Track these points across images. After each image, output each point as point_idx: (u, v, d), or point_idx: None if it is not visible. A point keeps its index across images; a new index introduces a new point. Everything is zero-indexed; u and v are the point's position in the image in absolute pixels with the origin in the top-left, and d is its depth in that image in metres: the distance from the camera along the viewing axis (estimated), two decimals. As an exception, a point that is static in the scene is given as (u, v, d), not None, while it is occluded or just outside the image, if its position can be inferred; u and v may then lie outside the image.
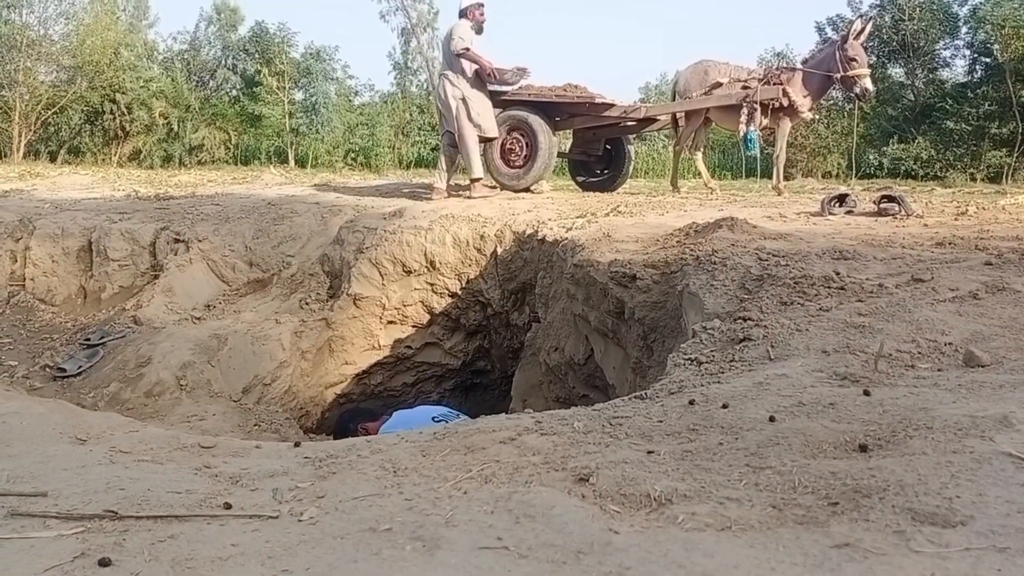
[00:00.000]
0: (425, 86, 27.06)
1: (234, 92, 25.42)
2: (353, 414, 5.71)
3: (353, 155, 24.03)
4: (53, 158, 21.52)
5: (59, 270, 6.71)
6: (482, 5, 8.08)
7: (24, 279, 6.67)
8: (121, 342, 5.65)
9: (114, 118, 22.00)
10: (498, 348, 6.59)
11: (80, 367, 5.43)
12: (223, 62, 25.43)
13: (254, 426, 4.74)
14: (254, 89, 24.11)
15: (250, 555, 1.45)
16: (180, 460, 2.09)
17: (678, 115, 9.33)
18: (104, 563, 1.41)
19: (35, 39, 21.30)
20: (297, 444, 2.27)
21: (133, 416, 3.44)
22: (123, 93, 21.85)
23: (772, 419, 1.90)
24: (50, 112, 21.73)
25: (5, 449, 2.11)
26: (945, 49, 19.71)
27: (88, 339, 5.88)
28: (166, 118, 22.27)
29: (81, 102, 22.10)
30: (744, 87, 8.43)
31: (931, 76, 19.72)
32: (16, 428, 2.31)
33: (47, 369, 5.47)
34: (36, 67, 21.62)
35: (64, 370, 5.40)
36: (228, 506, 1.69)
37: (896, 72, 20.18)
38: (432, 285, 6.38)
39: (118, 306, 6.44)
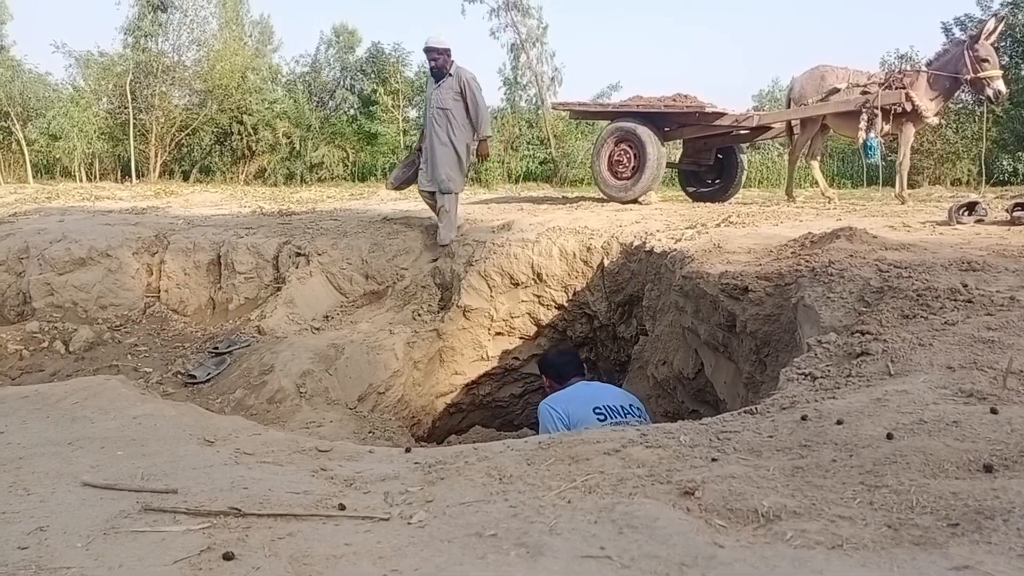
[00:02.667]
0: (534, 101, 27.30)
1: (351, 111, 26.42)
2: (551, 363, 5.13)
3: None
4: (186, 177, 22.95)
5: (191, 282, 7.14)
6: (425, 50, 7.09)
7: (159, 291, 7.13)
8: (246, 351, 5.95)
9: (241, 138, 23.27)
10: (605, 361, 6.56)
11: (209, 374, 5.76)
12: (342, 83, 26.51)
13: (368, 433, 4.89)
14: (370, 108, 25.00)
15: (362, 554, 1.51)
16: (299, 462, 2.19)
17: (793, 123, 9.07)
18: (228, 557, 1.50)
19: (170, 65, 22.80)
20: (408, 450, 2.34)
21: (256, 421, 3.62)
22: (250, 115, 23.10)
23: (890, 436, 1.82)
24: (183, 134, 23.20)
25: (140, 448, 2.27)
26: (1085, 47, 18.30)
27: (216, 348, 6.22)
28: (289, 137, 23.39)
29: (211, 124, 23.49)
30: (863, 92, 8.11)
31: (1070, 76, 18.34)
32: (150, 429, 2.48)
33: (179, 376, 5.83)
34: (170, 91, 23.14)
35: (194, 377, 5.74)
36: (342, 507, 1.76)
37: (1032, 72, 18.87)
38: (539, 297, 6.42)
39: (244, 316, 6.79)
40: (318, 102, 26.25)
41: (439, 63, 6.91)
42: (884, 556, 1.29)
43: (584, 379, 4.69)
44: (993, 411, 1.88)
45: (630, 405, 4.12)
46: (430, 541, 1.55)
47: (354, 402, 5.30)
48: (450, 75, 6.95)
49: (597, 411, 3.93)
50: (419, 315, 6.30)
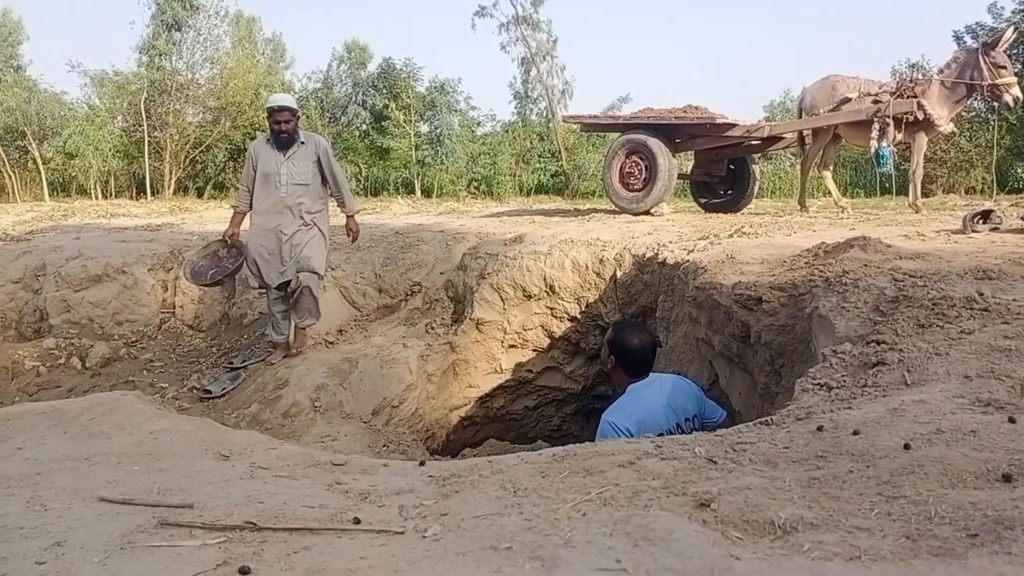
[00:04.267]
0: (545, 114, 27.42)
1: (364, 127, 26.59)
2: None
3: (476, 184, 24.59)
4: (200, 194, 23.14)
5: (205, 298, 7.19)
6: (274, 111, 5.69)
7: (174, 307, 7.19)
8: (261, 365, 5.98)
9: (255, 155, 23.41)
10: (619, 373, 6.53)
11: (224, 389, 5.79)
12: (353, 98, 26.69)
13: (383, 447, 4.90)
14: (382, 123, 25.15)
15: (377, 568, 1.51)
16: (314, 476, 2.20)
17: (805, 133, 9.05)
18: (244, 571, 1.50)
19: (183, 83, 23.03)
20: (422, 463, 2.34)
21: (271, 435, 3.63)
22: (263, 131, 23.24)
23: (907, 447, 1.80)
24: (197, 151, 23.40)
25: (156, 463, 2.28)
26: (1098, 53, 18.19)
27: (231, 363, 6.26)
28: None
29: (225, 141, 23.69)
30: (875, 101, 8.09)
31: (1084, 82, 18.24)
32: (166, 444, 2.49)
33: (194, 391, 5.87)
34: (184, 109, 23.36)
35: (209, 392, 5.77)
36: (357, 521, 1.76)
37: (1044, 79, 18.79)
38: (552, 309, 6.42)
39: (258, 331, 6.83)
40: (330, 118, 26.44)
41: (291, 127, 5.63)
42: (903, 567, 1.28)
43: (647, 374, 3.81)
44: (1011, 420, 1.86)
45: (685, 420, 3.57)
46: (445, 554, 1.55)
47: (368, 416, 5.31)
48: (302, 142, 5.71)
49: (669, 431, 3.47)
50: (432, 328, 6.31)
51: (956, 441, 1.79)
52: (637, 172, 8.73)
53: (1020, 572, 1.19)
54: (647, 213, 8.64)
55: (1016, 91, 7.68)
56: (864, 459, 1.80)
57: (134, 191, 23.15)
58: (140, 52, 23.23)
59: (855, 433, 1.97)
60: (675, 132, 8.93)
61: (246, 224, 5.92)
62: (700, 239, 5.98)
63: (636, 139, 8.78)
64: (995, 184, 16.89)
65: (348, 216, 5.98)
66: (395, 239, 7.70)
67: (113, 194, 22.60)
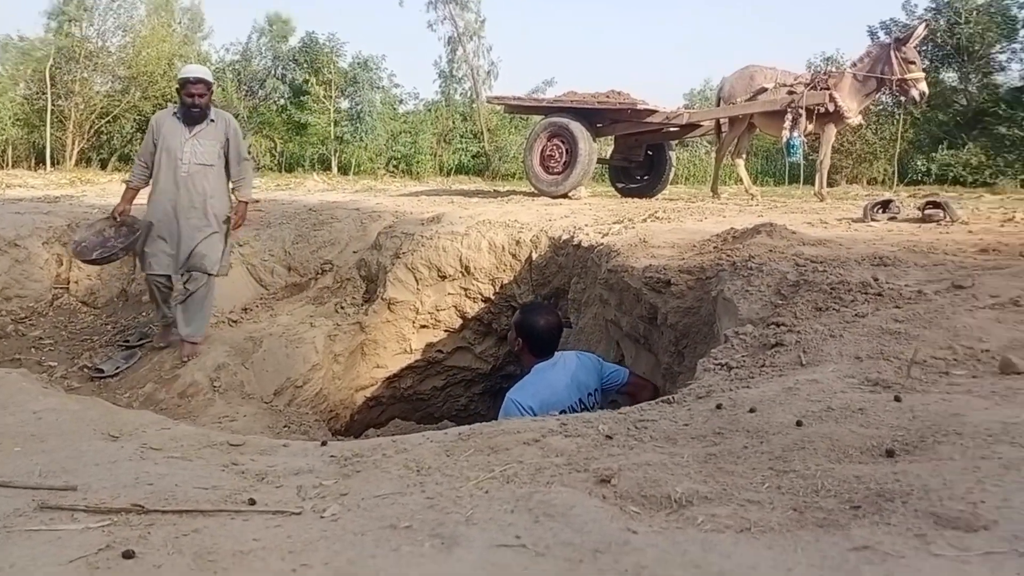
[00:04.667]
0: (469, 94, 27.28)
1: (282, 101, 25.89)
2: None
3: (395, 162, 24.30)
4: (104, 165, 22.15)
5: (102, 273, 6.88)
6: (188, 82, 5.18)
7: (69, 282, 6.85)
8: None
9: (164, 127, 22.54)
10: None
11: (117, 368, 5.54)
12: (273, 72, 25.94)
13: (284, 427, 4.80)
14: (301, 98, 24.54)
15: (271, 549, 1.47)
16: (208, 457, 2.13)
17: (722, 121, 9.26)
18: (128, 555, 1.44)
19: (93, 51, 21.94)
20: (324, 443, 2.29)
21: (166, 416, 3.50)
22: (175, 103, 22.40)
23: (799, 424, 1.87)
24: (103, 121, 22.35)
25: (39, 444, 2.17)
26: (1002, 53, 19.21)
27: (127, 341, 6.00)
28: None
29: (134, 111, 22.71)
30: (790, 92, 8.33)
31: (985, 80, 19.23)
32: (51, 424, 2.37)
33: (85, 370, 5.60)
34: (92, 78, 22.28)
35: (101, 371, 5.51)
36: (252, 502, 1.71)
37: (949, 77, 19.72)
38: (466, 290, 6.41)
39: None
40: (247, 91, 25.63)
41: (204, 101, 5.15)
42: (789, 538, 1.31)
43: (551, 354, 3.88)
44: (897, 399, 1.94)
45: (587, 395, 3.69)
46: (343, 535, 1.52)
47: (270, 396, 5.20)
48: (211, 120, 5.24)
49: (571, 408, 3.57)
50: (342, 308, 6.21)
51: (845, 418, 1.86)
52: (558, 155, 8.77)
53: (897, 541, 1.24)
54: (565, 196, 8.70)
55: (923, 86, 8.03)
56: (759, 435, 1.85)
57: (33, 161, 21.96)
58: (49, 17, 22.05)
59: (751, 411, 2.02)
60: (597, 117, 9.00)
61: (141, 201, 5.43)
62: (615, 223, 6.05)
63: (558, 122, 8.81)
64: (896, 176, 17.68)
65: (240, 201, 5.41)
66: (308, 216, 7.53)
67: (10, 164, 21.38)
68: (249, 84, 25.97)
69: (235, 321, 5.98)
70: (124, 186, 5.50)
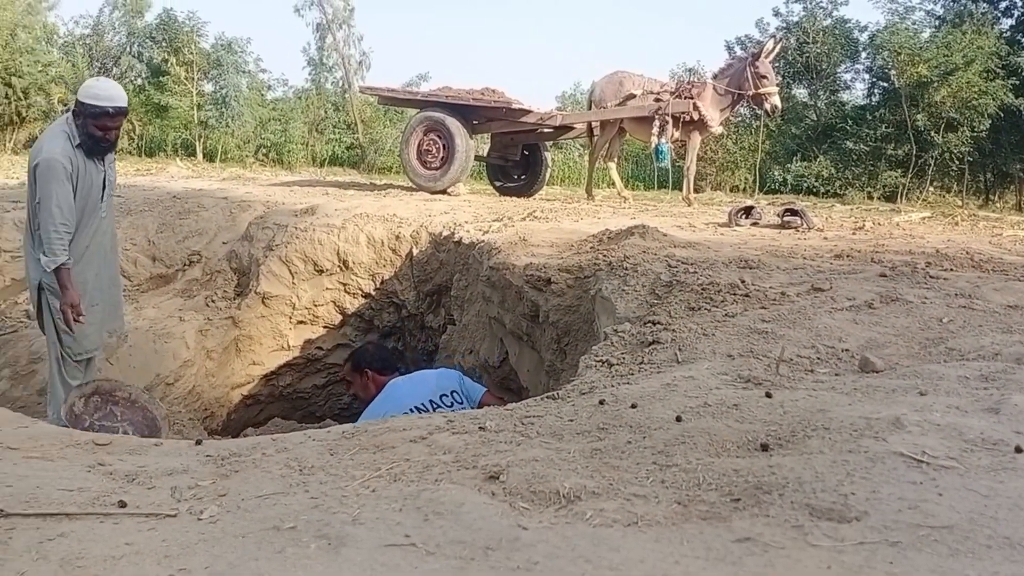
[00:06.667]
0: (341, 84, 26.69)
1: (139, 81, 24.44)
2: (371, 355, 4.65)
3: (265, 151, 23.45)
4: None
5: (-56, 260, 6.31)
6: (107, 114, 3.81)
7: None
8: (12, 337, 5.38)
9: (9, 103, 20.85)
10: (412, 350, 6.52)
11: (-35, 363, 5.12)
12: (128, 49, 24.43)
13: (154, 426, 4.56)
14: (161, 79, 23.23)
15: (145, 554, 1.39)
16: (72, 457, 1.99)
17: (593, 124, 9.48)
18: (-14, 563, 1.33)
19: (-76, 17, 20.02)
20: (199, 442, 2.19)
21: (25, 414, 3.25)
22: (20, 77, 20.75)
23: (679, 419, 1.94)
24: (-63, 94, 20.43)
25: None
26: (846, 72, 20.66)
27: (-25, 334, 5.54)
28: (65, 104, 21.20)
29: (-24, 83, 20.86)
30: (657, 99, 8.62)
31: (832, 98, 20.59)
32: None
33: (-73, 365, 5.14)
34: (-78, 47, 20.31)
35: (-54, 366, 5.07)
36: (123, 504, 1.62)
37: (800, 93, 20.99)
38: (345, 285, 6.28)
39: (10, 299, 6.11)
40: (100, 68, 24.02)
41: (117, 136, 4.03)
42: (675, 531, 1.37)
43: (399, 374, 4.44)
44: (768, 395, 2.06)
45: (440, 396, 4.00)
46: (222, 537, 1.46)
47: (139, 393, 4.92)
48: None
49: (416, 409, 3.84)
50: (213, 301, 5.94)
51: (721, 414, 1.95)
52: (435, 150, 8.73)
53: (776, 532, 1.32)
54: (444, 192, 8.68)
55: (775, 100, 8.51)
56: (641, 430, 1.91)
57: None
58: None
59: (633, 406, 2.09)
60: (473, 113, 9.02)
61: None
62: (495, 221, 6.09)
63: (434, 117, 8.77)
64: (757, 184, 18.68)
65: None
66: (172, 204, 7.15)
67: None
68: (103, 61, 24.35)
69: (94, 314, 5.62)
70: (58, 271, 3.82)
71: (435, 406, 3.81)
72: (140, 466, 1.91)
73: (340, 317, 6.40)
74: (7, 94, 20.83)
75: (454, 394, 3.99)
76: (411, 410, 3.70)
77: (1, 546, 1.39)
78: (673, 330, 2.88)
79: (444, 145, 8.70)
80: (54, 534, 1.46)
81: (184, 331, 5.47)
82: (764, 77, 8.35)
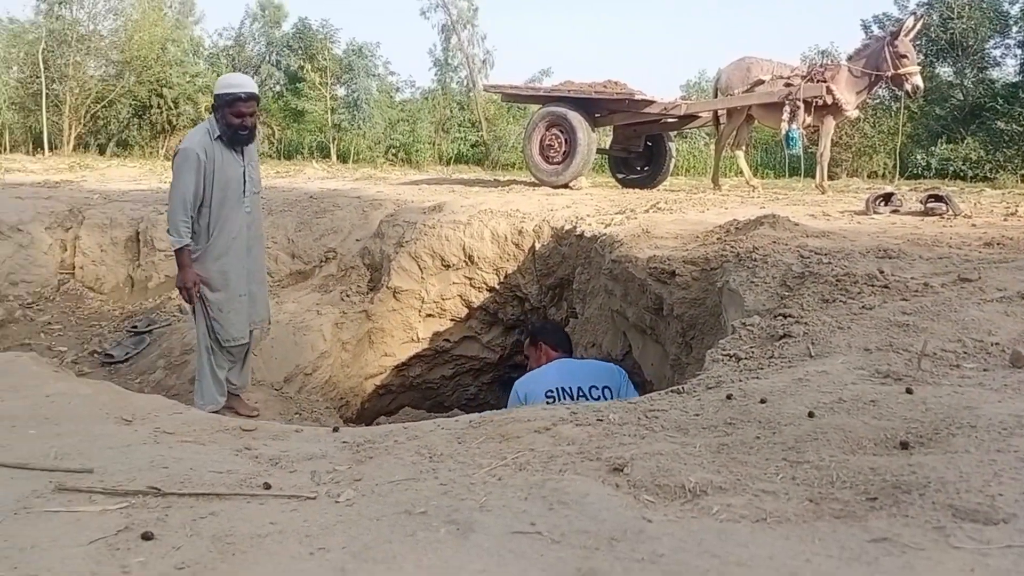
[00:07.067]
0: (465, 83, 27.17)
1: (278, 88, 25.76)
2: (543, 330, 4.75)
3: (394, 151, 24.21)
4: (102, 151, 22.00)
5: (107, 259, 6.87)
6: (239, 99, 4.12)
7: (74, 267, 6.85)
8: (167, 330, 5.78)
9: (161, 112, 22.44)
10: (535, 344, 6.58)
11: (127, 353, 5.57)
12: (267, 58, 25.79)
13: (295, 414, 4.81)
14: (297, 85, 24.41)
15: (288, 533, 1.48)
16: (222, 441, 2.14)
17: (719, 112, 9.25)
18: (147, 537, 1.45)
19: (84, 34, 21.78)
20: (336, 429, 2.30)
21: (178, 402, 3.51)
22: (170, 88, 22.30)
23: (811, 415, 1.88)
24: (99, 106, 22.22)
25: (53, 428, 2.18)
26: (995, 48, 19.20)
27: (135, 327, 6.01)
28: (211, 113, 22.59)
29: (129, 96, 22.56)
30: (787, 84, 8.32)
31: (981, 75, 19.19)
32: (64, 408, 2.38)
33: (95, 355, 5.62)
34: (85, 62, 22.10)
35: (112, 356, 5.54)
36: (267, 486, 1.72)
37: (944, 71, 19.68)
38: (470, 279, 6.41)
39: (164, 295, 6.57)
40: (243, 77, 25.43)
41: (254, 123, 4.25)
42: (806, 529, 1.33)
43: (570, 356, 4.40)
44: (909, 391, 1.95)
45: (591, 388, 3.99)
46: (358, 519, 1.53)
47: (280, 383, 5.21)
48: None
49: (548, 394, 3.88)
50: (347, 296, 6.21)
51: (857, 410, 1.87)
52: (557, 145, 8.75)
53: (916, 533, 1.25)
54: (566, 186, 8.69)
55: (917, 80, 8.02)
56: (770, 426, 1.86)
57: (30, 146, 21.82)
58: (39, 0, 21.83)
59: (762, 401, 2.03)
60: (595, 106, 8.98)
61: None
62: (617, 213, 6.05)
63: (556, 112, 8.79)
64: (897, 169, 17.67)
65: None
66: (309, 204, 7.51)
67: (7, 148, 21.26)
68: (244, 70, 25.79)
69: (241, 308, 5.98)
70: (176, 252, 4.17)
71: (579, 395, 3.85)
72: (283, 451, 2.02)
73: (466, 310, 6.54)
74: (159, 104, 22.43)
75: (606, 390, 3.95)
76: (550, 392, 3.76)
77: (159, 523, 1.51)
78: (805, 323, 2.78)
79: (566, 139, 8.71)
80: (206, 512, 1.57)
81: (321, 324, 5.73)
82: (904, 57, 7.89)
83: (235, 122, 4.12)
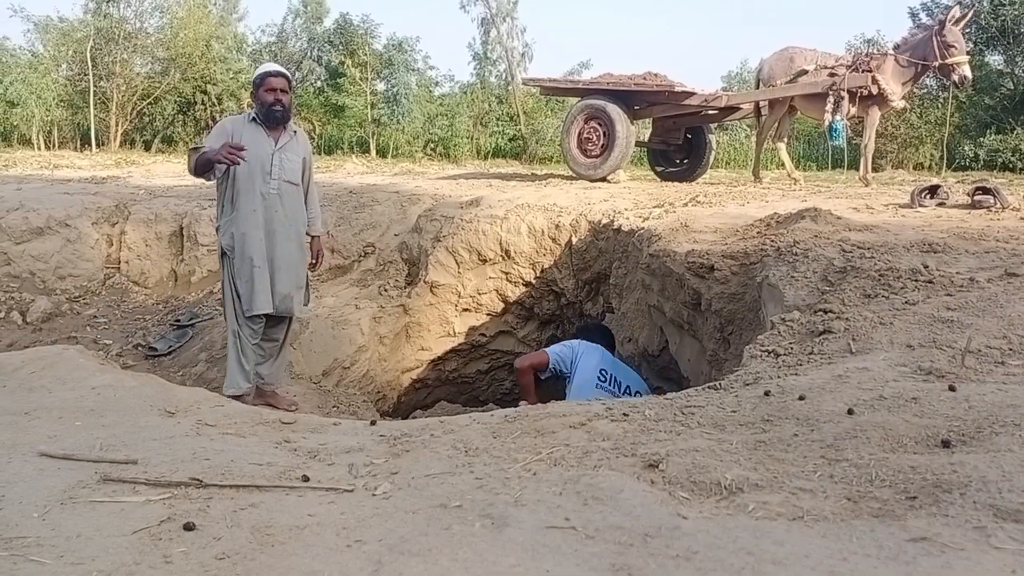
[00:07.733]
0: (504, 76, 27.16)
1: (318, 83, 26.03)
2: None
3: (432, 145, 24.32)
4: (148, 147, 22.45)
5: (152, 254, 7.02)
6: (269, 74, 4.25)
7: (119, 262, 7.00)
8: (209, 324, 5.87)
9: (206, 108, 22.83)
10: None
11: (170, 346, 5.68)
12: (309, 54, 26.06)
13: (333, 407, 4.87)
14: (338, 80, 24.64)
15: (326, 525, 1.50)
16: (262, 434, 2.17)
17: (761, 104, 9.11)
18: (189, 527, 1.48)
19: (131, 32, 22.22)
20: (373, 423, 2.33)
21: (218, 394, 3.57)
22: (214, 84, 22.66)
23: (851, 412, 1.85)
24: (145, 103, 22.67)
25: (98, 419, 2.23)
26: (1049, 35, 18.61)
27: (178, 320, 6.13)
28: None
29: (174, 93, 22.99)
30: (831, 74, 8.16)
31: (1032, 63, 18.65)
32: (109, 399, 2.44)
33: (139, 348, 5.74)
34: (132, 59, 22.56)
35: (155, 349, 5.65)
36: (306, 479, 1.75)
37: (994, 60, 19.14)
38: (507, 274, 6.41)
39: (207, 289, 6.69)
40: (285, 73, 25.74)
41: (288, 99, 4.27)
42: (844, 527, 1.31)
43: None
44: (951, 388, 1.92)
45: (635, 390, 4.16)
46: (394, 512, 1.55)
47: (319, 376, 5.27)
48: (294, 130, 4.41)
49: (602, 373, 3.98)
50: (385, 290, 6.26)
51: (898, 407, 1.84)
52: (595, 138, 8.71)
53: (956, 533, 1.23)
54: (604, 180, 8.65)
55: (965, 70, 7.81)
56: (809, 423, 1.84)
57: (78, 142, 22.35)
58: (87, -2, 22.34)
59: (801, 398, 2.01)
60: (634, 99, 8.91)
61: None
62: (655, 207, 6.01)
63: (595, 104, 8.75)
64: (944, 160, 17.26)
65: (314, 237, 4.61)
66: (348, 199, 7.58)
67: (56, 145, 21.81)
68: (286, 66, 26.07)
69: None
70: (194, 153, 4.21)
71: (622, 390, 4.17)
72: (321, 444, 2.06)
73: (502, 305, 6.55)
74: (203, 101, 22.82)
75: (630, 389, 4.19)
76: (604, 371, 4.06)
77: (200, 513, 1.55)
78: (846, 319, 2.73)
79: (605, 132, 8.66)
80: (246, 504, 1.60)
81: (359, 318, 5.78)
82: (952, 46, 7.69)
83: (268, 99, 4.19)
